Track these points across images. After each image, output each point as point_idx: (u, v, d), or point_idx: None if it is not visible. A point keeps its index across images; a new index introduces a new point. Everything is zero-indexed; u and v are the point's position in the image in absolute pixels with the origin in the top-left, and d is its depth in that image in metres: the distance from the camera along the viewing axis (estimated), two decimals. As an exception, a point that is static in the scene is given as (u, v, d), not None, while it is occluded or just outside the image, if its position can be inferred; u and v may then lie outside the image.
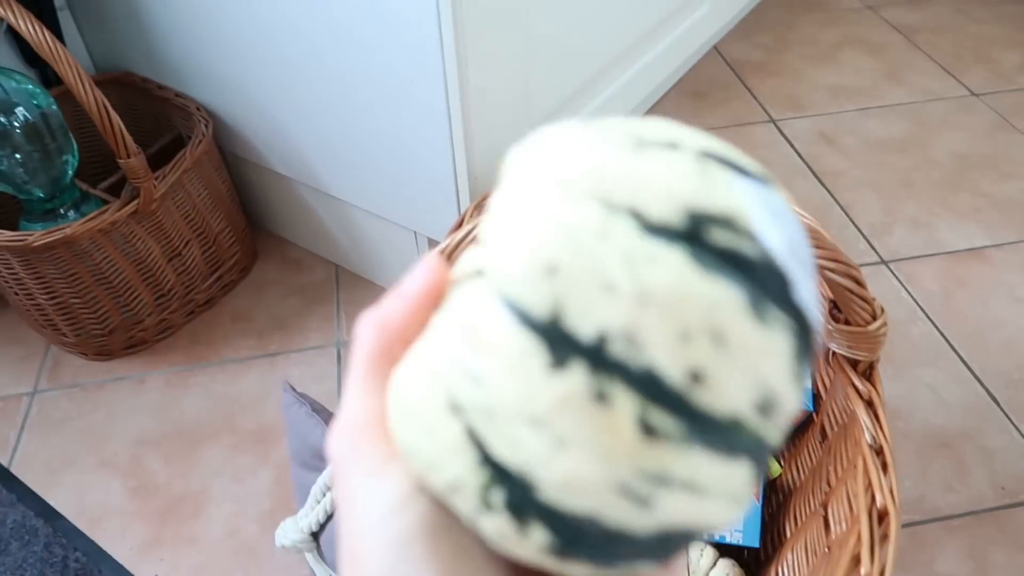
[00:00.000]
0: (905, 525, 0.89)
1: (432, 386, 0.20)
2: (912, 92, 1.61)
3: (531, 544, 0.19)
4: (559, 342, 0.18)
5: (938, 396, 1.02)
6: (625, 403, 0.18)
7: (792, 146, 1.47)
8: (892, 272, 1.20)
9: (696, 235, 0.18)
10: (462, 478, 0.19)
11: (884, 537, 0.55)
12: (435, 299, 0.23)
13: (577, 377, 0.18)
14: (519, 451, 0.18)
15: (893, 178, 1.39)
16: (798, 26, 1.84)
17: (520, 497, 0.19)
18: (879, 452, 0.60)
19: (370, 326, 0.23)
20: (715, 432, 0.18)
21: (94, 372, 1.10)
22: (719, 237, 0.18)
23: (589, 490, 0.18)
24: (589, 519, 0.18)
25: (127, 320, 1.08)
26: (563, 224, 0.18)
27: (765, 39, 1.80)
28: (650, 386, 0.18)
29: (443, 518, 0.21)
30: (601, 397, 0.18)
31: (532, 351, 0.18)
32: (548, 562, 0.20)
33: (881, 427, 0.61)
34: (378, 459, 0.21)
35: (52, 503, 0.94)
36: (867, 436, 0.61)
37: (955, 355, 1.08)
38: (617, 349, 0.17)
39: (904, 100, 1.58)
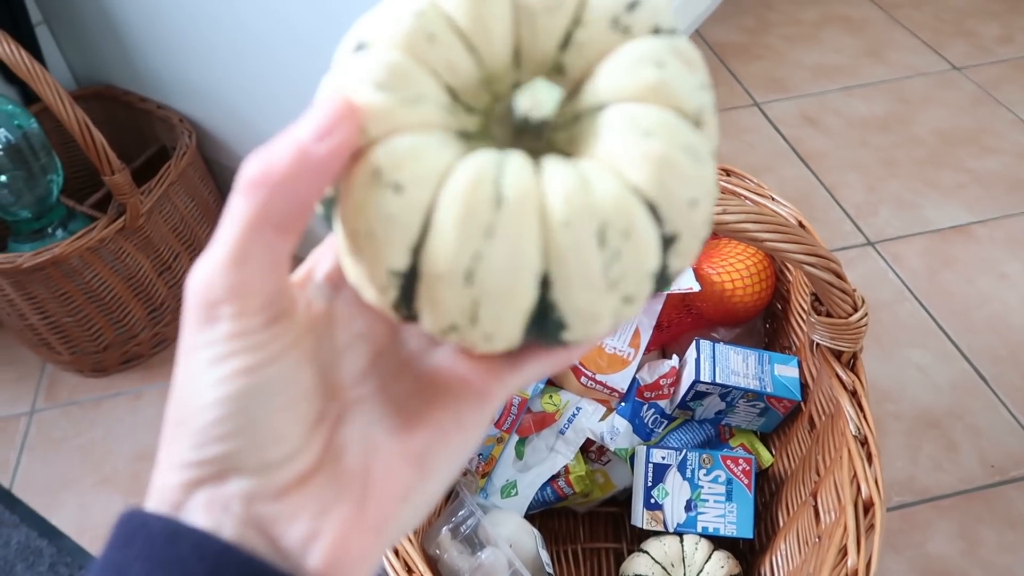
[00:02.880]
0: (897, 507, 0.91)
1: None
2: (893, 69, 1.61)
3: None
4: None
5: (926, 376, 1.04)
6: None
7: (776, 129, 1.48)
8: (878, 253, 1.21)
9: None
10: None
11: (870, 527, 0.56)
12: (341, 159, 0.20)
13: None
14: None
15: (877, 157, 1.39)
16: (778, 6, 1.84)
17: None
18: (864, 443, 0.61)
19: (256, 184, 0.20)
20: None
21: (91, 389, 1.11)
22: None
23: None
24: None
25: (121, 336, 1.09)
26: None
27: (747, 21, 1.79)
28: None
29: (273, 392, 0.21)
30: None
31: None
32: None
33: (865, 417, 0.62)
34: (233, 329, 0.20)
35: (55, 523, 0.94)
36: (851, 427, 0.62)
37: (942, 334, 1.09)
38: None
39: (886, 77, 1.59)
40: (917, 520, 0.90)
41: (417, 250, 0.21)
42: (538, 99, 0.21)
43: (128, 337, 1.10)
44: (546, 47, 0.23)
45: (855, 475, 0.59)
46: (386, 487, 0.22)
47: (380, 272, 0.22)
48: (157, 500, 0.21)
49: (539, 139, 0.22)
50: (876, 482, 0.57)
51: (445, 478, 0.24)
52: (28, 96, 1.17)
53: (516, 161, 0.21)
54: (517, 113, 0.22)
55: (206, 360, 0.20)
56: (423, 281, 0.22)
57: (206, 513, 0.20)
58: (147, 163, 1.18)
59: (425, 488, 0.23)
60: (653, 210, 0.21)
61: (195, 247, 1.14)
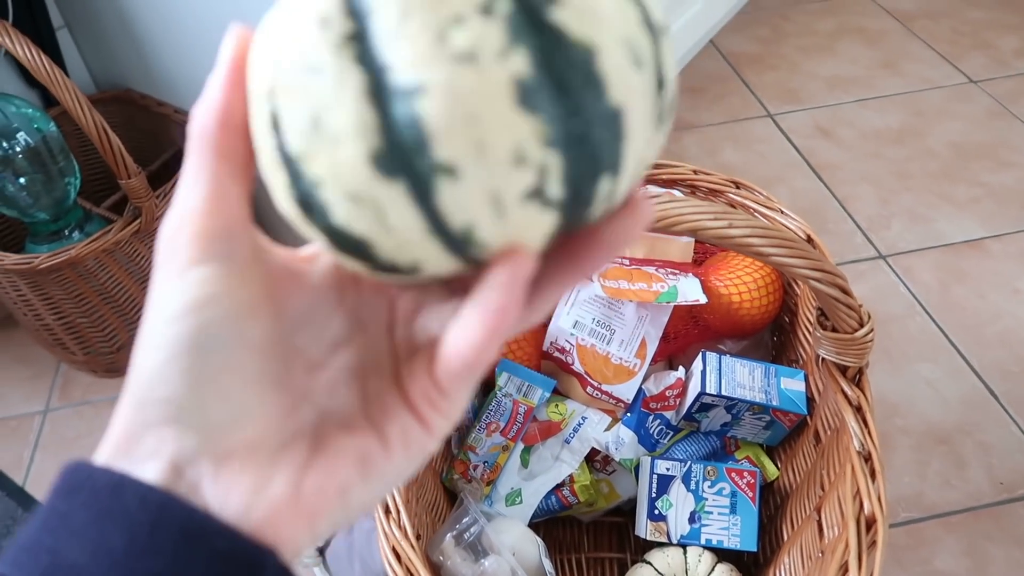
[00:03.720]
0: (903, 523, 0.90)
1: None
2: (909, 81, 1.60)
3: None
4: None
5: (936, 391, 1.03)
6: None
7: (789, 140, 1.48)
8: (890, 266, 1.21)
9: None
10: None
11: (872, 544, 0.56)
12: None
13: None
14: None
15: (890, 170, 1.39)
16: (794, 16, 1.84)
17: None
18: (867, 459, 0.61)
19: (197, 116, 0.22)
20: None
21: (104, 389, 1.12)
22: None
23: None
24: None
25: (134, 337, 1.10)
26: None
27: (762, 31, 1.79)
28: None
29: (219, 336, 0.21)
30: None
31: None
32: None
33: (870, 433, 0.62)
34: (185, 260, 0.21)
35: (66, 520, 0.96)
36: (855, 443, 0.62)
37: (953, 349, 1.08)
38: None
39: (901, 89, 1.58)
40: (924, 536, 0.89)
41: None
42: None
43: (141, 338, 1.11)
44: None
45: (858, 491, 0.59)
46: (326, 479, 0.22)
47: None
48: (111, 439, 0.22)
49: None
50: (879, 498, 0.57)
51: (384, 488, 0.24)
52: (48, 100, 1.19)
53: None
54: None
55: (163, 295, 0.21)
56: None
57: (152, 463, 0.21)
58: (164, 166, 1.20)
59: (363, 491, 0.23)
60: None
61: (209, 250, 1.15)
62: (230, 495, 0.21)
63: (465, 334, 0.21)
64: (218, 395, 0.21)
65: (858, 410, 0.64)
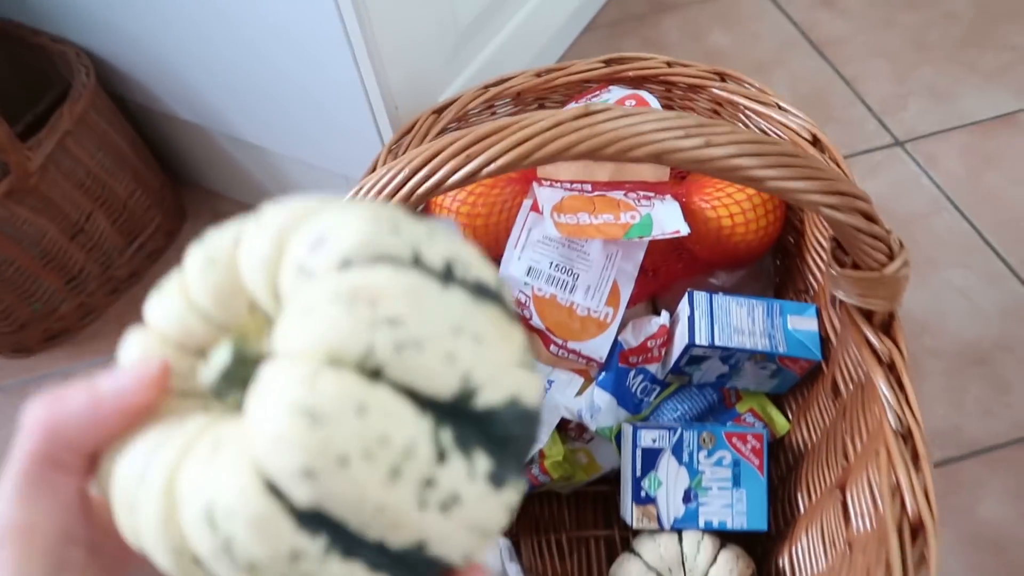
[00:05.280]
0: (938, 464, 0.77)
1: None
2: (922, -68, 1.38)
3: None
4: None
5: (971, 301, 0.88)
6: None
7: (786, 14, 1.27)
8: (909, 154, 1.04)
9: None
10: None
11: (921, 560, 0.42)
12: (136, 417, 0.22)
13: None
14: None
15: (905, 40, 1.19)
16: None
17: None
18: (907, 438, 0.46)
19: (40, 422, 0.22)
20: None
21: (15, 371, 0.99)
22: None
23: None
24: None
25: (38, 311, 0.95)
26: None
27: None
28: None
29: None
30: None
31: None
32: None
33: (908, 402, 0.47)
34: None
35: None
36: (890, 416, 0.47)
37: (988, 248, 0.92)
38: None
39: (913, -58, 1.36)
40: (964, 479, 0.76)
41: None
42: (210, 364, 0.22)
43: (48, 311, 0.96)
44: (267, 301, 0.23)
45: (897, 484, 0.44)
46: None
47: None
48: None
49: (243, 387, 0.22)
50: (926, 495, 0.43)
51: None
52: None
53: (173, 443, 0.22)
54: (200, 379, 0.23)
55: None
56: None
57: None
58: (51, 109, 1.02)
59: None
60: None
61: (111, 202, 0.98)
62: None
63: None
64: None
65: (891, 368, 0.49)
